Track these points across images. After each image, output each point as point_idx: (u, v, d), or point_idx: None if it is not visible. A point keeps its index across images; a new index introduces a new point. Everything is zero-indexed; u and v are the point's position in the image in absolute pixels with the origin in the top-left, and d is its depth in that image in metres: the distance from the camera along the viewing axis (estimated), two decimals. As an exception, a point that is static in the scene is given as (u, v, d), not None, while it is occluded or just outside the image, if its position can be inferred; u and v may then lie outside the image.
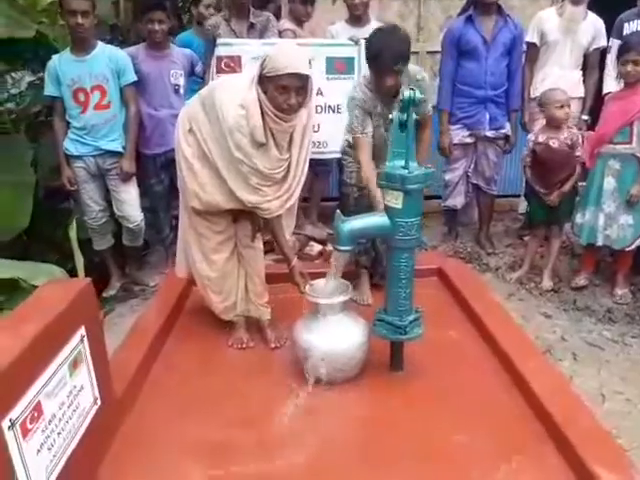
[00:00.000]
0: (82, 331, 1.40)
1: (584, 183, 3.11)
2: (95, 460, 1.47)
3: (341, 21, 3.65)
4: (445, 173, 3.63)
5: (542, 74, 3.58)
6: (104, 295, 3.11)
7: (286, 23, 3.52)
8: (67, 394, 1.31)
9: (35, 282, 2.38)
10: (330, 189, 4.19)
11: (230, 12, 3.38)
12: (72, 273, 2.69)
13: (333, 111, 3.54)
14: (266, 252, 2.31)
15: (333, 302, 1.88)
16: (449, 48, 3.45)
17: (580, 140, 2.97)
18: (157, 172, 3.25)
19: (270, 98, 1.81)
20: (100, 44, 2.96)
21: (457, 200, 3.70)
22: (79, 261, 2.49)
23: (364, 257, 2.58)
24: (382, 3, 4.18)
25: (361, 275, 2.60)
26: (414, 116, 1.75)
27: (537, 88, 3.58)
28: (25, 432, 1.12)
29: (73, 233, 2.47)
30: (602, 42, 3.49)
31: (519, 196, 4.14)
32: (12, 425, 1.08)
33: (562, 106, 2.96)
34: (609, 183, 2.91)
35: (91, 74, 2.89)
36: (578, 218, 3.06)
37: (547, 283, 3.11)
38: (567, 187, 2.99)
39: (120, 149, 3.01)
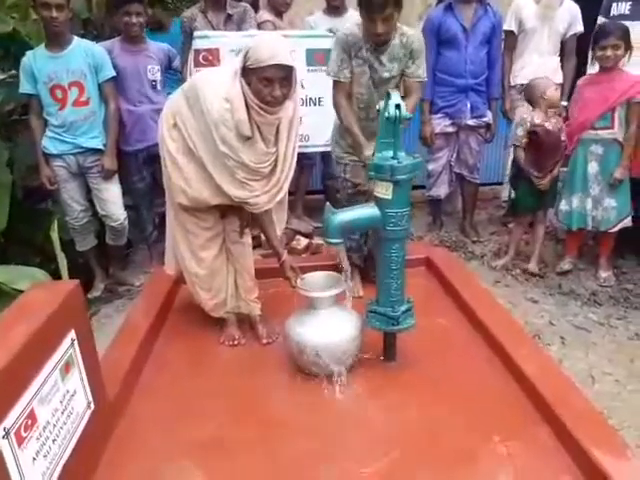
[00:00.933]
0: (72, 334, 1.37)
1: (565, 169, 3.15)
2: (91, 465, 1.44)
3: (319, 11, 3.63)
4: (428, 163, 3.64)
5: (521, 62, 3.61)
6: (88, 296, 3.04)
7: (265, 14, 3.48)
8: (60, 399, 1.28)
9: (17, 286, 2.32)
10: (315, 182, 4.19)
11: (206, 3, 3.32)
12: (55, 275, 2.63)
13: (315, 104, 3.53)
14: (254, 247, 2.29)
15: (326, 295, 1.87)
16: (429, 37, 3.43)
17: (563, 126, 3.01)
18: (139, 169, 3.20)
19: (254, 91, 1.79)
20: (76, 39, 2.88)
21: (441, 190, 3.72)
22: (62, 263, 2.43)
23: (356, 255, 2.57)
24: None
25: (352, 270, 2.58)
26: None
27: (517, 76, 3.62)
28: (20, 440, 1.09)
29: (55, 234, 2.42)
30: (579, 28, 3.53)
31: (501, 184, 4.19)
32: (6, 434, 1.05)
33: (556, 88, 3.02)
34: (593, 168, 2.95)
35: (68, 70, 2.81)
36: (563, 205, 3.10)
37: (534, 267, 3.15)
38: (556, 171, 3.03)
39: (101, 147, 2.94)
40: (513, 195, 3.48)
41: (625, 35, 2.80)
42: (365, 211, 1.82)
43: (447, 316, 2.32)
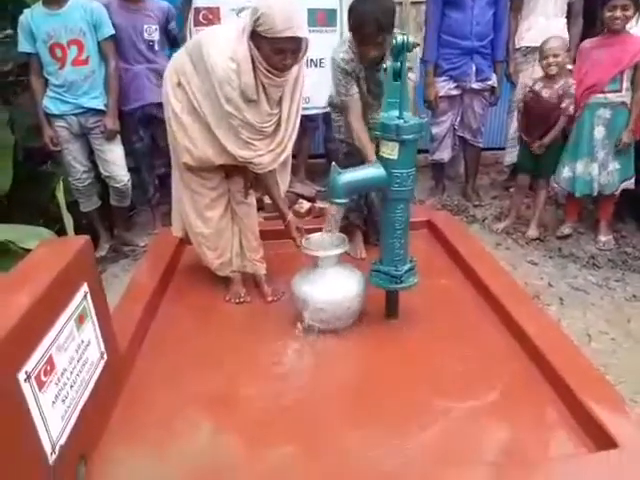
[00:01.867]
0: (85, 288, 1.40)
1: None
2: (105, 412, 1.50)
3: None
4: (432, 126, 3.63)
5: (527, 24, 3.56)
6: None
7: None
8: (76, 348, 1.32)
9: (25, 245, 2.34)
10: (317, 146, 4.17)
11: (205, -40, 3.24)
12: (59, 236, 2.65)
13: (316, 65, 3.48)
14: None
15: (331, 254, 1.90)
16: (435, -1, 3.39)
17: (572, 90, 2.98)
18: (136, 129, 3.19)
19: (264, 56, 1.76)
20: None
21: (444, 153, 3.71)
22: (69, 222, 2.44)
23: (355, 214, 2.59)
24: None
25: (354, 231, 2.61)
26: (407, 64, 1.73)
27: (522, 38, 3.57)
28: (40, 384, 1.13)
29: (60, 194, 2.41)
30: (586, -11, 3.47)
31: (504, 149, 4.18)
32: (28, 378, 1.09)
33: (567, 50, 3.01)
34: (599, 132, 2.94)
35: (67, 28, 2.77)
36: (566, 172, 3.10)
37: (533, 232, 3.18)
38: (547, 140, 3.02)
39: (102, 107, 2.92)
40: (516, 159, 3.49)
41: None
42: (371, 171, 1.83)
43: (449, 277, 2.35)
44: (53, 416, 1.18)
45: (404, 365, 1.77)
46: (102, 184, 3.18)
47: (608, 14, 2.79)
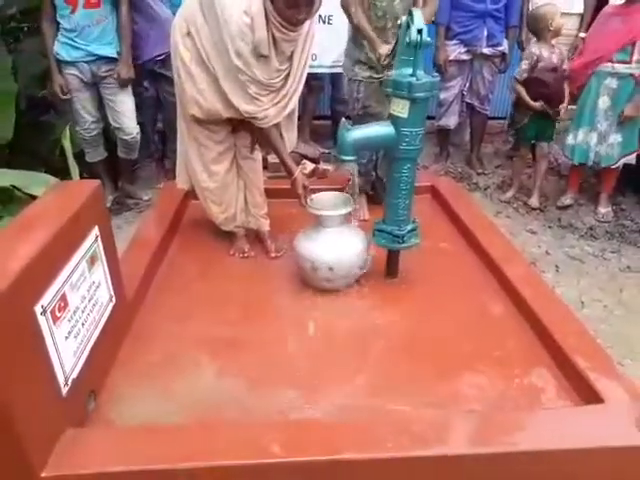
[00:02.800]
0: (96, 231, 1.43)
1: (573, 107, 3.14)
2: (114, 350, 1.56)
3: None
4: (440, 91, 3.59)
5: (543, -11, 3.48)
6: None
7: None
8: (87, 288, 1.36)
9: (31, 191, 2.36)
10: (322, 107, 4.14)
11: None
12: (65, 184, 2.66)
13: (324, 22, 3.43)
14: (262, 168, 2.31)
15: (335, 214, 1.91)
16: (451, -43, 3.31)
17: (565, 60, 2.96)
18: (141, 80, 3.16)
19: (278, 10, 1.74)
20: None
21: (451, 120, 3.70)
22: (74, 170, 2.45)
23: (362, 178, 2.59)
24: None
25: (359, 194, 2.61)
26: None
27: (537, 3, 3.50)
28: (55, 319, 1.18)
29: (67, 142, 2.42)
30: (604, -47, 3.39)
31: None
32: (44, 311, 1.13)
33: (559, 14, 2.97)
34: (604, 102, 2.93)
35: None
36: (570, 139, 3.10)
37: (535, 201, 3.21)
38: (566, 104, 2.99)
39: (115, 55, 2.89)
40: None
41: None
42: (380, 128, 1.84)
43: (450, 241, 2.38)
44: (66, 350, 1.23)
45: (402, 320, 1.82)
46: (107, 136, 3.16)
47: None
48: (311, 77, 3.28)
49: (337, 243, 1.92)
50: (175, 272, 2.06)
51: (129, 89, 3.02)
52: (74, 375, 1.26)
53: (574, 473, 1.27)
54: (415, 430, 1.25)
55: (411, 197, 1.93)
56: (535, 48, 3.02)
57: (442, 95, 3.60)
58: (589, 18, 3.49)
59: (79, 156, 3.09)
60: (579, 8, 3.50)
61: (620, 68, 2.86)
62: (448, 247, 2.33)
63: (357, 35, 2.28)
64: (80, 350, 1.30)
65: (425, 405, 1.44)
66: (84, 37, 2.82)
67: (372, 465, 1.20)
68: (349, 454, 1.19)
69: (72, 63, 2.86)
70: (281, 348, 1.66)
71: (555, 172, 3.61)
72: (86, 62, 2.86)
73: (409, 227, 1.96)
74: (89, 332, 1.36)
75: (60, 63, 2.86)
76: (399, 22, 1.71)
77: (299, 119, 3.66)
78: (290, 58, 1.93)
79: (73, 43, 2.82)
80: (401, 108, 1.74)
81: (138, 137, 3.11)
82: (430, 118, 3.82)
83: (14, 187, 2.40)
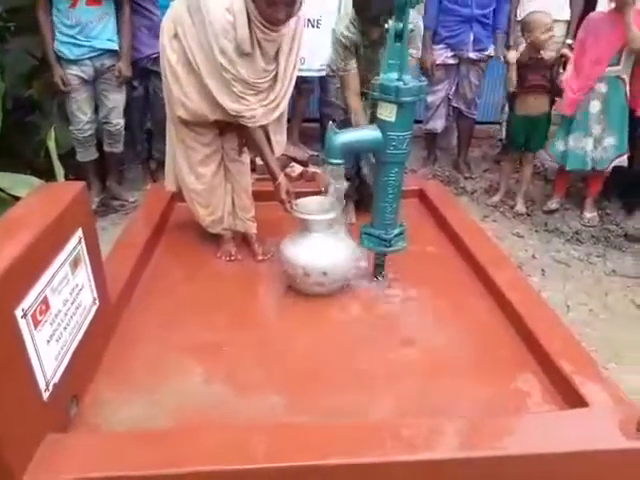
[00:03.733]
0: (80, 233, 1.41)
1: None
2: (97, 354, 1.53)
3: None
4: (427, 95, 3.61)
5: (530, -5, 3.52)
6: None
7: None
8: (70, 291, 1.34)
9: (15, 192, 2.33)
10: (311, 110, 4.14)
11: None
12: (49, 186, 2.63)
13: (313, 26, 3.43)
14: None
15: (321, 218, 1.90)
16: (438, -38, 3.33)
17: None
18: (130, 80, 3.15)
19: (258, 9, 1.74)
20: None
21: (438, 123, 3.72)
22: (59, 171, 2.43)
23: (346, 184, 2.57)
24: None
25: (345, 198, 2.61)
26: (410, 26, 1.72)
27: (525, 10, 3.53)
28: (36, 323, 1.16)
29: (52, 143, 2.39)
30: (590, -38, 3.43)
31: (498, 123, 4.19)
32: (24, 315, 1.11)
33: (548, 29, 2.94)
34: (594, 107, 2.96)
35: None
36: (561, 145, 3.12)
37: (521, 207, 3.23)
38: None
39: (116, 47, 2.89)
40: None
41: None
42: (367, 132, 1.84)
43: (437, 244, 2.39)
44: (48, 355, 1.21)
45: (390, 325, 1.82)
46: (99, 136, 3.15)
47: None
48: (301, 80, 3.28)
49: (329, 248, 1.90)
50: (161, 275, 2.04)
51: (123, 87, 3.03)
52: (55, 380, 1.24)
53: (560, 476, 1.28)
54: (403, 435, 1.25)
55: (398, 201, 1.94)
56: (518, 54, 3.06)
57: (429, 98, 3.62)
58: (575, 24, 3.53)
59: (65, 157, 3.06)
60: (567, 15, 3.53)
61: (609, 72, 2.89)
62: (435, 251, 2.34)
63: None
64: (62, 354, 1.28)
65: (412, 410, 1.44)
66: (86, 33, 2.81)
67: (359, 470, 1.19)
68: (337, 459, 1.18)
69: (74, 61, 2.84)
70: (267, 352, 1.65)
71: (541, 177, 3.65)
72: (89, 58, 2.85)
73: (396, 231, 1.97)
74: (71, 336, 1.34)
75: (61, 60, 2.84)
76: (386, 26, 1.71)
77: (288, 121, 3.68)
78: (276, 59, 1.92)
79: (75, 41, 2.81)
80: (388, 112, 1.74)
81: (122, 129, 3.12)
82: (418, 122, 3.86)
83: (-1, 188, 2.37)
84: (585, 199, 3.21)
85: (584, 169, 3.08)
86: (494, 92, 4.25)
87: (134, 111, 3.28)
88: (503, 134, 3.92)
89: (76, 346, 1.36)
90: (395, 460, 1.19)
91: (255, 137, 2.02)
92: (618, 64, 2.86)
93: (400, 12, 1.67)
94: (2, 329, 1.04)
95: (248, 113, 1.92)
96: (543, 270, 2.62)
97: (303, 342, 1.70)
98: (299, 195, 2.05)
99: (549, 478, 1.28)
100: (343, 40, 2.19)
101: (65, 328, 1.30)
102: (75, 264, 1.38)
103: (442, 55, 3.48)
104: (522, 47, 3.02)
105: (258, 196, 2.34)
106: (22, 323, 1.10)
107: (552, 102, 3.14)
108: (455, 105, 3.68)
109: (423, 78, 1.79)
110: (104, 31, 2.86)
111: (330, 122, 1.82)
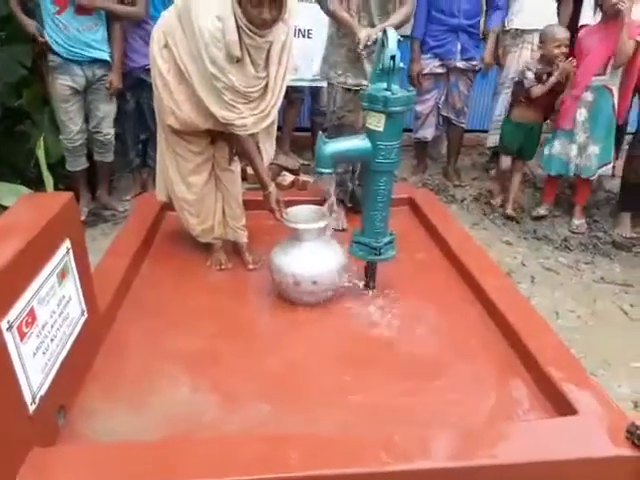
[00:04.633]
0: (67, 244, 1.40)
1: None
2: (85, 366, 1.52)
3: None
4: (416, 104, 3.64)
5: (518, 5, 3.57)
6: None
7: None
8: (57, 303, 1.33)
9: (3, 202, 2.32)
10: (302, 119, 4.16)
11: None
12: (39, 196, 2.61)
13: (303, 36, 3.46)
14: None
15: (311, 227, 1.90)
16: (427, -28, 3.37)
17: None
18: (123, 91, 3.15)
19: (244, 11, 1.76)
20: None
21: (427, 132, 3.74)
22: (48, 181, 2.42)
23: (339, 189, 2.60)
24: None
25: (337, 204, 2.62)
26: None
27: (512, 20, 3.59)
28: (22, 335, 1.15)
29: (41, 152, 2.38)
30: (577, -27, 3.49)
31: (486, 131, 4.23)
32: (10, 327, 1.10)
33: (560, 45, 2.99)
34: (581, 114, 3.00)
35: None
36: (546, 150, 3.16)
37: (510, 211, 3.27)
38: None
39: (107, 57, 2.89)
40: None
41: None
42: (356, 142, 1.85)
43: (426, 252, 2.40)
44: (34, 367, 1.20)
45: (380, 333, 1.82)
46: (90, 146, 3.14)
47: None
48: (292, 90, 3.30)
49: (319, 256, 1.91)
50: (150, 284, 2.03)
51: (114, 97, 3.04)
52: (42, 392, 1.22)
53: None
54: (393, 444, 1.25)
55: (388, 209, 1.94)
56: (532, 66, 3.10)
57: (418, 107, 3.65)
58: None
59: (56, 166, 3.05)
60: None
61: (595, 81, 2.93)
62: (424, 258, 2.35)
63: (334, 34, 2.28)
64: (49, 367, 1.27)
65: (402, 419, 1.44)
66: (74, 41, 2.81)
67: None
68: (327, 469, 1.18)
69: (66, 71, 2.83)
70: (257, 362, 1.64)
71: (531, 184, 3.68)
72: (80, 64, 2.84)
73: (386, 239, 1.97)
74: (59, 348, 1.33)
75: (53, 70, 2.84)
76: (373, 39, 1.73)
77: (279, 130, 3.69)
78: (267, 68, 1.93)
79: (64, 43, 2.80)
80: (377, 122, 1.75)
81: (112, 138, 3.12)
82: (407, 131, 3.89)
83: (-14, 198, 2.36)
84: (574, 206, 3.24)
85: (567, 174, 3.11)
86: (482, 100, 4.29)
87: (127, 122, 3.28)
88: (491, 141, 3.96)
89: (64, 358, 1.34)
90: (385, 470, 1.19)
91: (246, 146, 2.03)
92: (604, 73, 2.89)
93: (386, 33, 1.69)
94: (-13, 342, 1.03)
95: (239, 121, 1.92)
96: (532, 277, 2.64)
97: (292, 352, 1.70)
98: (290, 204, 2.05)
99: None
100: None
101: (52, 340, 1.29)
102: (63, 275, 1.37)
103: (430, 64, 3.51)
104: (529, 74, 3.07)
105: (249, 205, 2.34)
106: (7, 335, 1.09)
107: (546, 117, 3.19)
108: (445, 114, 3.71)
109: (411, 88, 1.81)
110: (94, 40, 2.87)
111: (320, 132, 1.83)
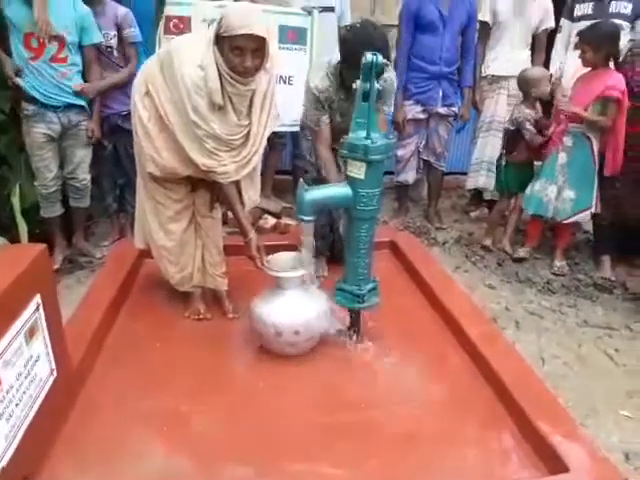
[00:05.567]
0: (38, 299, 1.34)
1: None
2: (53, 431, 1.43)
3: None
4: (397, 149, 3.69)
5: (494, 53, 3.69)
6: (48, 267, 2.98)
7: (241, -13, 3.42)
8: (24, 364, 1.26)
9: (-26, 251, 2.24)
10: (284, 162, 4.18)
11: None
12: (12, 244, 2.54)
13: (284, 82, 3.50)
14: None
15: (292, 275, 1.86)
16: (406, 22, 3.49)
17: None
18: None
19: (226, 60, 1.77)
20: None
21: (409, 175, 3.78)
22: (22, 229, 2.36)
23: (320, 242, 2.56)
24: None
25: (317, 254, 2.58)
26: (376, 86, 1.76)
27: (488, 67, 3.70)
28: (-17, 401, 1.08)
29: (16, 199, 2.33)
30: (550, 23, 3.63)
31: (465, 174, 4.29)
32: (-30, 394, 1.03)
33: (547, 81, 3.20)
34: (562, 158, 3.07)
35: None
36: (528, 189, 3.22)
37: (509, 249, 3.31)
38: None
39: (83, 103, 2.89)
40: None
41: (592, 38, 2.87)
42: (337, 189, 1.84)
43: (409, 297, 2.38)
44: (-4, 435, 1.12)
45: (362, 386, 1.77)
46: (65, 192, 3.09)
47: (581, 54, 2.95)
48: (273, 135, 3.31)
49: (301, 305, 1.86)
50: (126, 337, 1.96)
51: (90, 144, 3.02)
52: (3, 463, 1.14)
53: None
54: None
55: (370, 256, 1.92)
56: (523, 107, 3.18)
57: (399, 152, 3.69)
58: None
59: (31, 211, 2.98)
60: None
61: (572, 127, 3.01)
62: (409, 304, 2.32)
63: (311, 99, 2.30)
64: (12, 434, 1.19)
65: (381, 477, 1.37)
66: (50, 86, 2.80)
67: None
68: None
69: (41, 117, 2.81)
70: (236, 421, 1.57)
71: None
72: (55, 110, 2.83)
73: (369, 286, 1.94)
74: (24, 412, 1.25)
75: (28, 118, 2.82)
76: (354, 86, 1.75)
77: (262, 174, 3.69)
78: (249, 116, 1.93)
79: (39, 89, 2.79)
80: (358, 170, 1.75)
81: (89, 183, 3.08)
82: (389, 173, 3.93)
83: (-44, 247, 2.28)
84: (555, 248, 3.27)
85: (545, 215, 3.15)
86: (461, 143, 4.38)
87: (104, 165, 3.25)
88: (470, 184, 3.98)
89: (29, 423, 1.26)
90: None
91: (227, 193, 2.01)
92: (581, 121, 2.97)
93: (367, 74, 1.71)
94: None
95: (220, 169, 1.91)
96: (517, 322, 2.62)
97: (274, 409, 1.63)
98: (272, 250, 2.02)
99: None
100: (317, 94, 2.19)
101: (17, 405, 1.22)
102: (31, 333, 1.30)
103: (412, 110, 3.58)
104: (528, 124, 3.17)
105: (230, 250, 2.31)
106: (-33, 404, 1.02)
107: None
108: (425, 158, 3.76)
109: (392, 136, 1.82)
110: (70, 87, 2.85)
111: (301, 179, 1.82)
